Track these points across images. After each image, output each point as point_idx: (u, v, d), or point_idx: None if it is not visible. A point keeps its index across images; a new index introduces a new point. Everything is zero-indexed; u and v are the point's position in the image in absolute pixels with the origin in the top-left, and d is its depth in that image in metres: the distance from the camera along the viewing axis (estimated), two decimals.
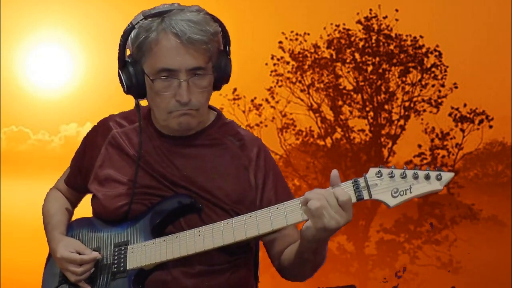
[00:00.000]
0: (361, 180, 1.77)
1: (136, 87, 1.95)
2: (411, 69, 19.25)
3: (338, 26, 19.45)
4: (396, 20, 19.34)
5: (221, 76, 1.96)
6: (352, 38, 19.38)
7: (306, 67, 19.50)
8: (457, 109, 19.05)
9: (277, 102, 19.57)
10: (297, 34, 19.54)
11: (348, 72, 19.44)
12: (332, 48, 19.42)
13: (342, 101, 19.40)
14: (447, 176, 1.72)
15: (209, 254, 1.91)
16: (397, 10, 19.57)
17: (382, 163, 18.94)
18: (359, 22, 19.42)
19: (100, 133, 2.09)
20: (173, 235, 1.92)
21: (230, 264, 1.98)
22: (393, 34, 19.32)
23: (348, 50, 19.37)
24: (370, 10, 19.38)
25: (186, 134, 2.01)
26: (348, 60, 19.39)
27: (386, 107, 19.33)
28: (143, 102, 2.03)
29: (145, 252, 1.93)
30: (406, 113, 19.26)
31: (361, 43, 19.36)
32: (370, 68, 19.38)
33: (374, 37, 19.32)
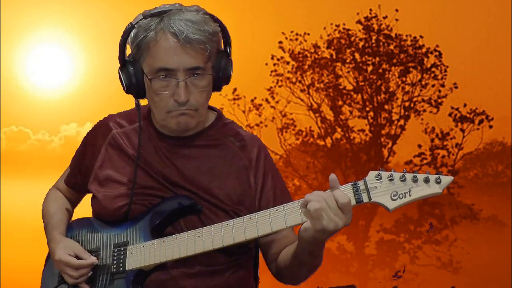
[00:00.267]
0: (360, 183, 1.77)
1: (136, 86, 1.95)
2: (411, 69, 19.24)
3: (338, 26, 19.45)
4: (396, 20, 19.35)
5: (221, 77, 1.96)
6: (352, 38, 19.38)
7: (306, 67, 19.49)
8: (457, 109, 19.04)
9: (277, 102, 19.57)
10: (297, 34, 19.54)
11: (348, 72, 19.44)
12: (332, 48, 19.41)
13: (342, 101, 19.40)
14: (446, 179, 1.73)
15: (209, 254, 1.91)
16: (397, 10, 19.57)
17: (382, 163, 18.94)
18: (359, 22, 19.42)
19: (100, 133, 2.09)
20: (173, 236, 1.92)
21: (229, 265, 1.98)
22: (393, 34, 19.32)
23: (348, 50, 19.37)
24: (370, 10, 19.39)
25: (186, 134, 2.01)
26: (348, 60, 19.38)
27: (386, 107, 19.33)
28: (143, 102, 2.03)
29: (144, 253, 1.93)
30: (406, 113, 19.26)
31: (361, 43, 19.36)
32: (370, 68, 19.37)
33: (374, 37, 19.32)
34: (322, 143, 19.71)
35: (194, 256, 1.90)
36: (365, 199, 1.76)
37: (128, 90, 1.97)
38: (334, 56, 19.40)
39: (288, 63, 19.60)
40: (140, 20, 1.92)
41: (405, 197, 1.74)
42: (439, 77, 19.22)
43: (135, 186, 1.99)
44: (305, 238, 1.80)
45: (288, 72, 19.57)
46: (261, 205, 1.98)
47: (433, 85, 19.24)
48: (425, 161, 19.04)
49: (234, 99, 19.42)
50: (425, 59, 19.19)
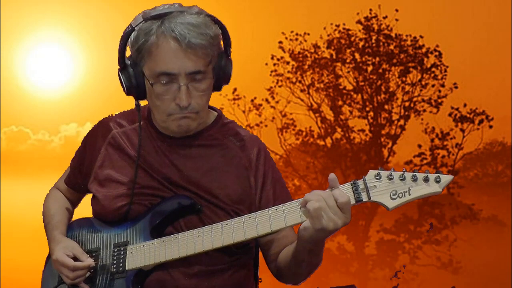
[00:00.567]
0: (360, 182, 1.77)
1: (136, 88, 1.95)
2: (411, 69, 19.24)
3: (338, 26, 19.45)
4: (396, 20, 19.35)
5: (221, 77, 1.96)
6: (352, 38, 19.38)
7: (306, 67, 19.49)
8: (457, 109, 19.04)
9: (277, 102, 19.57)
10: (297, 34, 19.54)
11: (348, 72, 19.45)
12: (332, 48, 19.41)
13: (342, 101, 19.40)
14: (446, 178, 1.73)
15: (209, 254, 1.91)
16: (397, 10, 19.58)
17: (382, 163, 18.94)
18: (359, 22, 19.42)
19: (100, 133, 2.09)
20: (173, 236, 1.92)
21: (230, 265, 1.98)
22: (393, 34, 19.32)
23: (348, 50, 19.37)
24: (370, 10, 19.39)
25: (186, 135, 2.01)
26: (348, 60, 19.38)
27: (386, 107, 19.33)
28: (143, 101, 2.03)
29: (144, 253, 1.93)
30: (406, 113, 19.26)
31: (361, 43, 19.36)
32: (370, 68, 19.37)
33: (374, 37, 19.32)
34: (322, 143, 19.72)
35: (194, 256, 1.90)
36: (364, 198, 1.76)
37: (128, 92, 1.97)
38: (334, 56, 19.41)
39: (288, 63, 19.61)
40: (141, 22, 1.90)
41: (404, 196, 1.74)
42: (439, 77, 19.23)
43: (135, 185, 1.99)
44: (304, 237, 1.80)
45: (288, 72, 19.59)
46: (261, 204, 1.98)
47: (433, 85, 19.26)
48: (425, 161, 19.04)
49: (234, 99, 19.43)
50: (425, 59, 19.19)
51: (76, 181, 2.15)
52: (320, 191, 1.78)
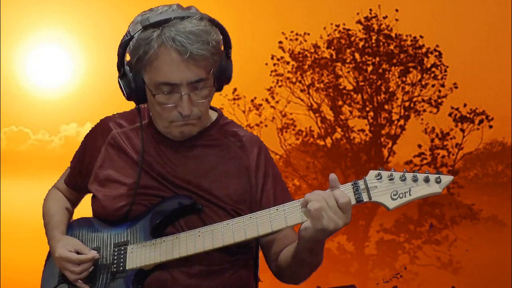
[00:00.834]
0: (360, 182, 1.78)
1: (136, 94, 1.93)
2: (411, 69, 19.24)
3: (338, 26, 19.45)
4: (396, 20, 19.35)
5: (222, 78, 1.95)
6: (352, 38, 19.38)
7: (306, 67, 19.50)
8: (457, 109, 19.04)
9: (277, 102, 19.58)
10: (297, 34, 19.55)
11: (348, 72, 19.45)
12: (332, 48, 19.42)
13: (342, 101, 19.40)
14: (446, 179, 1.74)
15: (209, 254, 1.91)
16: (397, 10, 19.59)
17: (382, 163, 18.94)
18: (359, 22, 19.42)
19: (100, 134, 2.09)
20: (173, 236, 1.92)
21: (230, 264, 1.98)
22: (393, 34, 19.32)
23: (348, 50, 19.37)
24: (370, 10, 19.39)
25: None
26: (348, 60, 19.38)
27: (386, 107, 19.33)
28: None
29: (144, 253, 1.93)
30: (406, 113, 19.26)
31: (361, 43, 19.36)
32: (370, 68, 19.37)
33: (374, 37, 19.32)
34: (322, 143, 19.72)
35: (194, 256, 1.90)
36: (365, 198, 1.77)
37: (129, 98, 1.95)
38: (334, 56, 19.41)
39: (288, 63, 19.62)
40: (139, 30, 1.87)
41: (405, 197, 1.74)
42: (439, 77, 19.23)
43: (137, 187, 1.99)
44: (305, 237, 1.80)
45: (288, 72, 19.59)
46: (261, 205, 1.98)
47: (433, 85, 19.26)
48: (425, 161, 19.04)
49: (234, 99, 19.43)
50: (425, 59, 19.20)
51: (76, 181, 2.15)
52: (320, 191, 1.78)
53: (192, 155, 2.00)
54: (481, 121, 18.91)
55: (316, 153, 19.72)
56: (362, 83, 19.33)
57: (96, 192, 2.05)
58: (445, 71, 19.23)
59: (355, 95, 19.40)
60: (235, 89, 19.37)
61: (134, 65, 1.91)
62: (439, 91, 19.22)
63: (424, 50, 19.21)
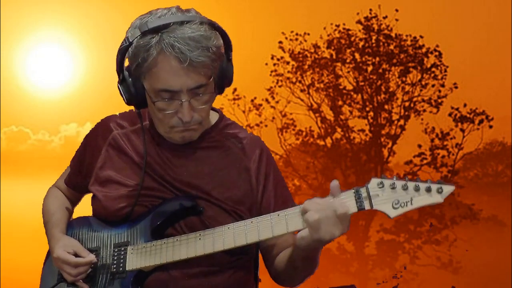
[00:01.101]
0: (362, 190, 1.78)
1: (136, 99, 1.93)
2: (411, 69, 19.24)
3: (338, 26, 19.45)
4: (396, 20, 19.36)
5: (223, 81, 1.93)
6: (352, 38, 19.37)
7: (306, 67, 19.50)
8: (457, 109, 19.04)
9: (277, 102, 19.58)
10: (297, 34, 19.55)
11: (348, 72, 19.45)
12: (332, 48, 19.42)
13: (342, 101, 19.40)
14: (448, 189, 1.76)
15: (209, 255, 1.91)
16: (397, 10, 19.59)
17: (382, 163, 18.95)
18: (359, 22, 19.42)
19: (100, 134, 2.09)
20: (174, 238, 1.92)
21: (230, 265, 1.98)
22: (393, 34, 19.32)
23: (348, 50, 19.37)
24: (370, 10, 19.39)
25: None
26: (348, 60, 19.38)
27: (386, 107, 19.33)
28: None
29: (144, 254, 1.93)
30: (406, 113, 19.26)
31: (361, 43, 19.36)
32: (370, 68, 19.37)
33: (374, 37, 19.32)
34: (322, 143, 19.72)
35: (194, 257, 1.90)
36: (367, 206, 1.78)
37: (129, 103, 1.95)
38: (334, 56, 19.41)
39: (288, 63, 19.62)
40: (138, 36, 1.84)
41: (406, 206, 1.76)
42: (439, 77, 19.23)
43: (136, 187, 1.99)
44: (301, 246, 1.82)
45: (288, 72, 19.59)
46: (262, 206, 1.98)
47: (433, 85, 19.26)
48: (425, 161, 19.05)
49: (234, 99, 19.43)
50: (425, 59, 19.19)
51: (76, 181, 2.15)
52: (319, 200, 1.79)
53: (193, 157, 2.00)
54: (481, 121, 18.91)
55: (316, 153, 19.72)
56: (362, 83, 19.33)
57: (97, 192, 2.04)
58: (445, 71, 19.24)
59: (355, 95, 19.41)
60: (235, 89, 19.37)
61: (134, 71, 1.89)
62: (439, 91, 19.23)
63: (424, 50, 19.22)
